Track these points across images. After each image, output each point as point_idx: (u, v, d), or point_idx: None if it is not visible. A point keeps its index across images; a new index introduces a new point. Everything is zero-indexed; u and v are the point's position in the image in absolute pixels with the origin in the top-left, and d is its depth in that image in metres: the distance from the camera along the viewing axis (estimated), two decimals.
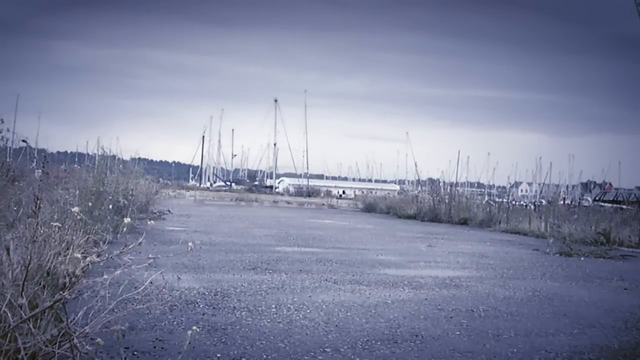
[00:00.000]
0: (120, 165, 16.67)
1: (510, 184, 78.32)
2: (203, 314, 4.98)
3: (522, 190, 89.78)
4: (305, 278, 7.17)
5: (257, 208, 30.70)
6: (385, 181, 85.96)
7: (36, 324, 3.02)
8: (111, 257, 3.17)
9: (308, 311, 5.30)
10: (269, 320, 4.87)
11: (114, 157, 16.99)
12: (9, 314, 2.89)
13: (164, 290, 4.47)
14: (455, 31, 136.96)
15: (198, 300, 5.53)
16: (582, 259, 11.04)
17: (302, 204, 32.40)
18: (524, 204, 29.26)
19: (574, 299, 6.65)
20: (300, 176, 36.14)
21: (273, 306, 5.44)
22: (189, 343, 3.52)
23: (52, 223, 4.17)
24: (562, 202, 20.46)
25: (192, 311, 5.06)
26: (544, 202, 23.88)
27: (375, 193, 46.39)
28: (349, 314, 5.28)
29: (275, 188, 34.54)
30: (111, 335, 3.03)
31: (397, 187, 67.73)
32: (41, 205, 5.41)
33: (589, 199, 42.17)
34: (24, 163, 14.44)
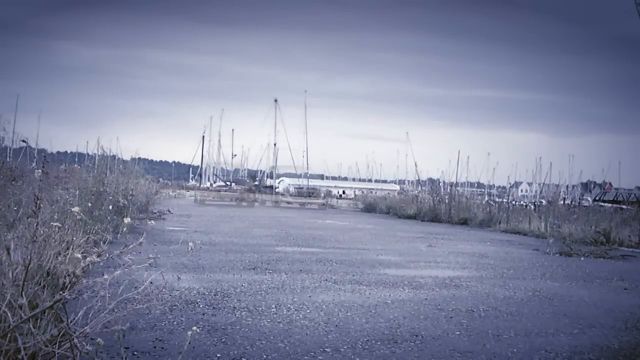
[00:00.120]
0: (120, 165, 16.69)
1: (510, 184, 78.29)
2: (203, 314, 4.98)
3: (522, 190, 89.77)
4: (305, 278, 7.17)
5: (257, 208, 30.70)
6: (385, 181, 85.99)
7: (36, 324, 3.02)
8: (111, 257, 3.17)
9: (308, 311, 5.30)
10: (269, 320, 4.87)
11: (114, 157, 17.02)
12: (9, 314, 2.89)
13: (164, 290, 4.46)
14: (455, 31, 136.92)
15: (198, 300, 5.53)
16: (582, 259, 11.04)
17: (303, 204, 32.38)
18: (524, 204, 29.26)
19: (574, 299, 6.65)
20: (300, 176, 36.10)
21: (273, 306, 5.44)
22: (189, 343, 3.53)
23: (52, 223, 4.17)
24: (562, 202, 20.47)
25: (192, 311, 5.06)
26: (544, 202, 23.88)
27: (375, 193, 46.40)
28: (349, 314, 5.28)
29: (275, 188, 34.50)
30: (111, 335, 3.03)
31: (397, 187, 67.75)
32: (41, 205, 5.41)
33: (589, 199, 42.17)
34: (24, 163, 14.45)
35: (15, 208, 6.67)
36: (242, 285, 6.47)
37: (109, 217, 10.01)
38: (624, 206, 23.29)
